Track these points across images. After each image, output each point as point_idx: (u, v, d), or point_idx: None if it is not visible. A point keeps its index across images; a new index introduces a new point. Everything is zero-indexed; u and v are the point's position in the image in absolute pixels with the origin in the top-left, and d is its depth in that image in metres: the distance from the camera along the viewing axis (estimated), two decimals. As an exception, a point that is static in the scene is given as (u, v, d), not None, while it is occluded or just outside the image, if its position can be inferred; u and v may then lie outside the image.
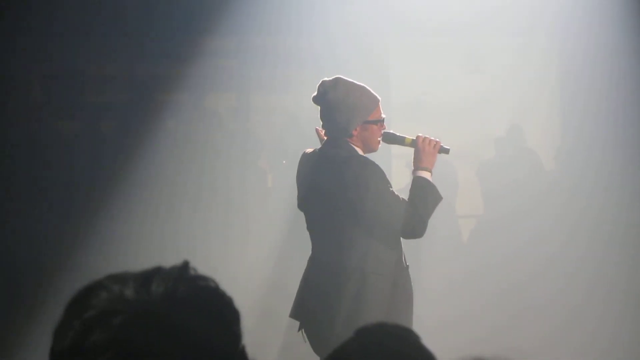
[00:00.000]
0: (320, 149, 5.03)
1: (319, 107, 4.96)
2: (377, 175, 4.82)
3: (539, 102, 9.83)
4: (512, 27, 9.61)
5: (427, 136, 4.94)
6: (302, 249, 5.25)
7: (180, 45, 8.99)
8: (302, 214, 5.09)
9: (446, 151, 5.02)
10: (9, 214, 8.75)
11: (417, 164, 4.95)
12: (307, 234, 5.04)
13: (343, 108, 4.86)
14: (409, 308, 4.94)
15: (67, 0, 8.78)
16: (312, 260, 5.05)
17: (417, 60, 9.85)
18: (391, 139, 4.99)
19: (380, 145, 4.99)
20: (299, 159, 5.20)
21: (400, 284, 4.91)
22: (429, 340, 1.69)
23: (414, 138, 4.94)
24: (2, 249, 8.59)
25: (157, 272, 1.30)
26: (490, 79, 9.87)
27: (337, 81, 4.90)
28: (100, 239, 8.51)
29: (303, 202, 5.08)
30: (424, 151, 4.93)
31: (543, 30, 9.65)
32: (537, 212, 9.27)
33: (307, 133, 9.10)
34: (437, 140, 4.99)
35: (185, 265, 1.32)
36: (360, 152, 4.92)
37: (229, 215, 9.00)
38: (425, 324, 8.05)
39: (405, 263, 4.96)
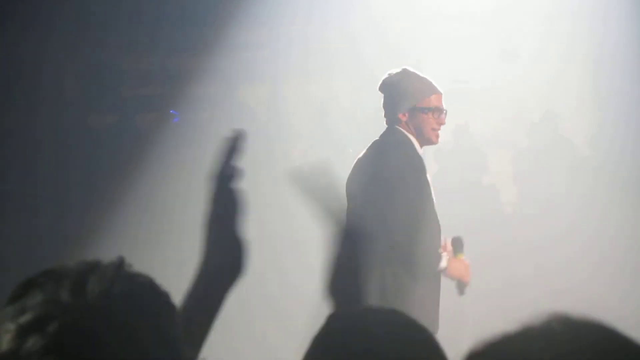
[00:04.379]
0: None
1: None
2: (413, 175, 4.76)
3: (573, 88, 9.75)
4: (546, 12, 9.54)
5: (470, 275, 4.88)
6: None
7: (212, 38, 8.99)
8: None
9: (461, 290, 4.94)
10: (38, 208, 8.81)
11: (451, 263, 4.84)
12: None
13: (394, 91, 4.91)
14: (433, 312, 4.82)
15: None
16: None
17: (450, 46, 9.80)
18: (459, 244, 4.93)
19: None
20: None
21: (429, 285, 4.83)
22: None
23: (464, 258, 4.88)
24: (28, 242, 8.65)
25: (93, 270, 1.29)
26: (524, 65, 9.81)
27: (400, 69, 4.98)
28: (142, 230, 8.55)
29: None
30: (459, 270, 4.85)
31: (578, 15, 9.56)
32: (572, 199, 9.21)
33: (338, 123, 9.10)
34: (467, 280, 4.89)
35: (121, 262, 1.31)
36: (414, 140, 4.88)
37: (260, 207, 8.98)
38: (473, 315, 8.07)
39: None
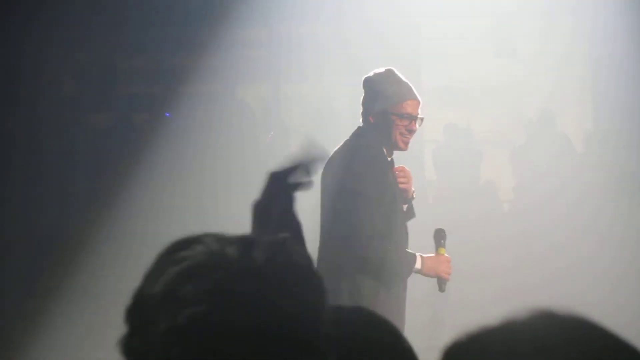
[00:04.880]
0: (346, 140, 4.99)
1: None
2: (374, 178, 4.75)
3: (571, 87, 9.78)
4: (544, 11, 9.57)
5: (450, 269, 4.84)
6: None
7: (210, 36, 9.00)
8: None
9: (441, 287, 4.90)
10: (41, 204, 8.83)
11: (425, 262, 4.82)
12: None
13: (370, 90, 4.85)
14: (400, 315, 4.76)
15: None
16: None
17: (448, 46, 9.83)
18: (441, 237, 4.90)
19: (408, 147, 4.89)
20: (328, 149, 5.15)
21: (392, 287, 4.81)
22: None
23: (446, 255, 4.85)
24: (33, 240, 8.67)
25: (258, 240, 1.29)
26: (521, 63, 9.84)
27: (384, 70, 4.90)
28: (147, 229, 8.57)
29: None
30: (434, 269, 4.82)
31: (576, 13, 9.59)
32: (569, 196, 9.24)
33: (340, 121, 9.13)
34: (447, 276, 4.85)
35: (285, 239, 1.32)
36: (382, 143, 4.83)
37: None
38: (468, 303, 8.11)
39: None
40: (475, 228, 9.13)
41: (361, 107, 4.91)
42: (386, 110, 4.81)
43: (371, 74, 4.90)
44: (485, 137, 9.95)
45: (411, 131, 4.83)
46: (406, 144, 4.85)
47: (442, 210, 8.87)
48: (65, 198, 8.83)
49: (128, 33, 9.01)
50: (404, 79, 4.88)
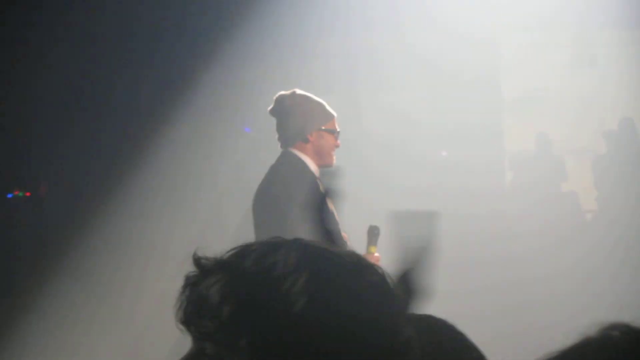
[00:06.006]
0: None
1: (275, 120, 5.04)
2: (297, 188, 4.85)
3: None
4: (624, 18, 9.48)
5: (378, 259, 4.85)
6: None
7: (297, 47, 9.07)
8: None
9: None
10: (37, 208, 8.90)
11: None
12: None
13: (299, 113, 4.94)
14: None
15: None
16: None
17: (528, 54, 9.80)
18: (373, 234, 4.88)
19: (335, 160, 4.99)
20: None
21: None
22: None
23: (376, 254, 4.83)
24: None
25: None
26: (603, 72, 9.76)
27: (294, 92, 5.00)
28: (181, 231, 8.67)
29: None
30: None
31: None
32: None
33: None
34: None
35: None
36: (311, 163, 4.96)
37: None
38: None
39: None
40: (557, 237, 9.08)
41: (278, 133, 5.02)
42: (321, 128, 4.94)
43: (283, 98, 4.97)
44: (565, 146, 9.90)
45: (337, 146, 5.00)
46: (334, 158, 5.00)
47: (522, 218, 8.87)
48: (68, 196, 8.89)
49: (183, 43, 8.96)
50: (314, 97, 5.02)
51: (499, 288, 8.46)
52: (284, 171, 4.93)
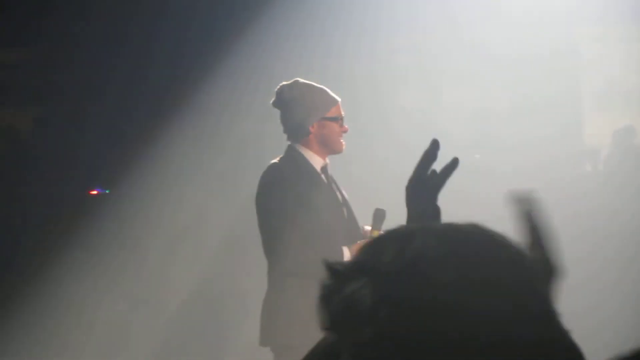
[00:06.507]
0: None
1: (279, 112, 5.05)
2: (285, 184, 4.89)
3: None
4: None
5: None
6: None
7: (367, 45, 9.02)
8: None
9: None
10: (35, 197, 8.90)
11: (353, 250, 4.84)
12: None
13: (299, 105, 4.94)
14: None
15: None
16: None
17: (606, 47, 9.67)
18: (379, 217, 4.88)
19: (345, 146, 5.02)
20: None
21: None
22: None
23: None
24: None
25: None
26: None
27: (293, 82, 5.01)
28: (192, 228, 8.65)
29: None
30: None
31: None
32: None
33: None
34: None
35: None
36: (314, 156, 4.98)
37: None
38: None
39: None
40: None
41: (283, 126, 5.05)
42: (324, 117, 4.95)
43: (285, 89, 4.99)
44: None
45: (344, 131, 5.01)
46: (343, 145, 5.02)
47: (607, 214, 8.73)
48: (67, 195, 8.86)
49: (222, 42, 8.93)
50: (315, 84, 5.02)
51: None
52: (279, 167, 4.96)
